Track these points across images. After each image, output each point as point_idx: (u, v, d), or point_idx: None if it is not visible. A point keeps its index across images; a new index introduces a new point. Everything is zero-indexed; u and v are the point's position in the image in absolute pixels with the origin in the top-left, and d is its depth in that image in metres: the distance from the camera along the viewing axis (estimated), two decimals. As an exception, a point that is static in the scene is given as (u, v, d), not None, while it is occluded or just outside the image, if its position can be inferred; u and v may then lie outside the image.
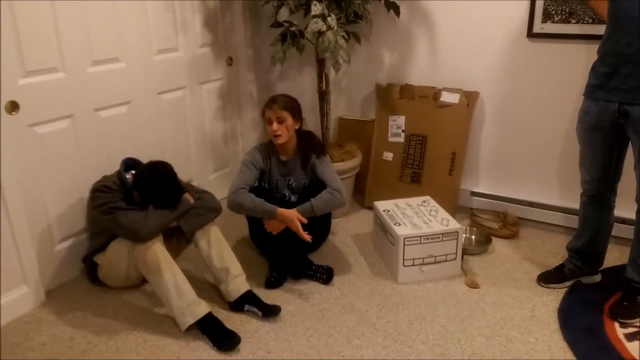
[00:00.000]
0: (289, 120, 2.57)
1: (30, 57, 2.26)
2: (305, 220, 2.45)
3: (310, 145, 2.67)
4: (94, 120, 2.58)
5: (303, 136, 2.69)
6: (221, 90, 3.36)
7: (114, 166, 2.49)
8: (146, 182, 2.28)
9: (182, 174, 2.66)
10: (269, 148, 2.70)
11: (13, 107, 2.22)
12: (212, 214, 2.38)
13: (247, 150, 2.84)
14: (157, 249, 2.18)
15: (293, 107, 2.60)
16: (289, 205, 2.54)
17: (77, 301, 2.44)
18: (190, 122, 3.17)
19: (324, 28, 2.65)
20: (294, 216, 2.44)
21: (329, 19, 2.65)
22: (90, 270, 2.51)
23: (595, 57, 2.15)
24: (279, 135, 2.57)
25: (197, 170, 3.29)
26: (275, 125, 2.55)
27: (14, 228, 2.26)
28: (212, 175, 3.43)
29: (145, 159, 2.54)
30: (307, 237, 2.43)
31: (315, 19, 2.64)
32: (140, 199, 2.28)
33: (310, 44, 2.96)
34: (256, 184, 2.66)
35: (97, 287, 2.53)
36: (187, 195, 2.36)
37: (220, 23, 3.26)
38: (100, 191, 2.29)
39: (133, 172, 2.43)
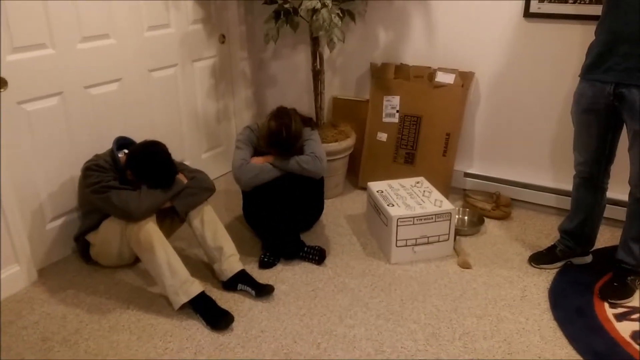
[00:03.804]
0: None
1: (19, 33, 2.21)
2: None
3: (302, 122, 2.68)
4: (84, 98, 2.54)
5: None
6: (214, 68, 3.31)
7: (106, 144, 2.46)
8: (141, 162, 2.26)
9: (175, 153, 2.63)
10: (260, 132, 2.69)
11: (1, 83, 2.18)
12: (205, 193, 2.37)
13: (239, 130, 2.83)
14: (150, 229, 2.17)
15: (299, 133, 2.61)
16: (280, 187, 2.56)
17: (69, 280, 2.43)
18: (183, 101, 3.13)
19: (319, 5, 2.60)
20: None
21: (323, -4, 2.61)
22: (83, 249, 2.49)
23: (592, 38, 2.13)
24: None
25: (189, 149, 3.26)
26: None
27: (4, 207, 2.24)
28: (204, 154, 3.40)
29: (137, 137, 2.51)
30: None
31: (309, -4, 2.60)
32: (134, 178, 2.26)
33: (304, 22, 2.92)
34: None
35: (89, 266, 2.52)
36: (180, 175, 2.35)
37: (212, -1, 3.20)
38: (92, 170, 2.27)
39: (125, 150, 2.40)
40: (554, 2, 2.66)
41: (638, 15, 1.92)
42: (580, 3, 2.60)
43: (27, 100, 2.30)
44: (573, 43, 2.69)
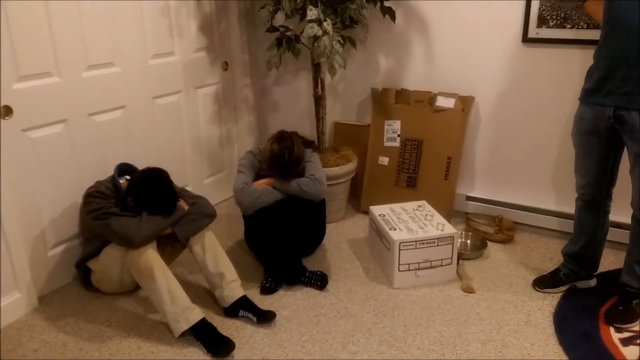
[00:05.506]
0: None
1: (25, 62, 2.25)
2: None
3: (303, 145, 2.71)
4: (89, 125, 2.56)
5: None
6: (217, 94, 3.36)
7: (109, 171, 2.48)
8: (142, 189, 2.27)
9: (178, 179, 2.65)
10: (262, 155, 2.72)
11: (7, 111, 2.21)
12: (206, 219, 2.37)
13: (242, 155, 2.86)
14: (151, 255, 2.16)
15: (302, 156, 2.64)
16: (282, 211, 2.56)
17: (70, 307, 2.42)
18: (186, 127, 3.16)
19: (320, 33, 2.65)
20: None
21: (324, 23, 2.65)
22: (84, 275, 2.49)
23: (590, 62, 2.15)
24: None
25: (192, 174, 3.28)
26: None
27: (6, 233, 2.24)
28: (207, 179, 3.42)
29: (140, 164, 2.53)
30: None
31: (310, 24, 2.64)
32: (135, 205, 2.27)
33: (306, 49, 2.96)
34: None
35: (90, 293, 2.51)
36: (181, 202, 2.35)
37: (215, 28, 3.25)
38: (94, 196, 2.28)
39: (127, 177, 2.42)
40: (552, 28, 2.70)
41: (635, 39, 1.94)
42: (578, 28, 2.64)
43: (32, 128, 2.33)
44: (572, 67, 2.71)
